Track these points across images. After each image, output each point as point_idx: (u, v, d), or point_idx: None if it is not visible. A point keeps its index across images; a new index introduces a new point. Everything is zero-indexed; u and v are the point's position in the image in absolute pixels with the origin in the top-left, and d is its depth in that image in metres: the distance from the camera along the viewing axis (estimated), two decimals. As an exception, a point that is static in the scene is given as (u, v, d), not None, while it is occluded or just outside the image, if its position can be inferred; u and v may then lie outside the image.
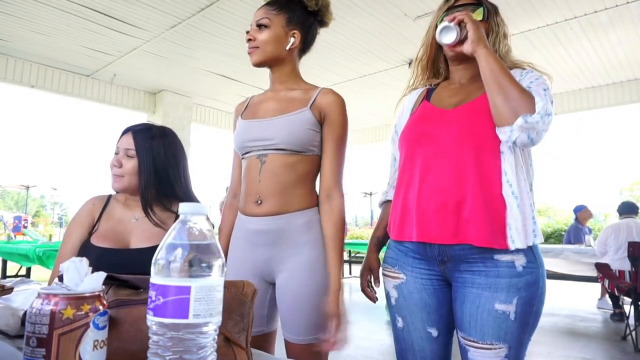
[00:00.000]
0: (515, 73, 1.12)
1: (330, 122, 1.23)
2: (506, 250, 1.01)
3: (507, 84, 0.99)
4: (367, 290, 1.27)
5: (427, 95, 1.25)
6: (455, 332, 1.13)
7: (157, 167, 1.29)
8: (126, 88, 7.04)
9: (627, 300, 3.99)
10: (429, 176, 1.08)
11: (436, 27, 1.20)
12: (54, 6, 4.53)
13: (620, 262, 4.32)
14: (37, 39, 5.33)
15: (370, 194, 30.11)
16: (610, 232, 4.53)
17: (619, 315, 4.57)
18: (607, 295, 5.05)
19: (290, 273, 1.17)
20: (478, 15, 1.16)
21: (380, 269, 1.25)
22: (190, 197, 1.36)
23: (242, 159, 1.30)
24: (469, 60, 1.17)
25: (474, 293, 1.04)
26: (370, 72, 6.25)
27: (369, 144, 9.81)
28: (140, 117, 7.41)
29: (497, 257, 1.03)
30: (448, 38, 1.09)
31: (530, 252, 1.04)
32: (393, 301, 1.18)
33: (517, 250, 1.02)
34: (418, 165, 1.12)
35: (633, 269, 3.76)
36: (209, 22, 4.86)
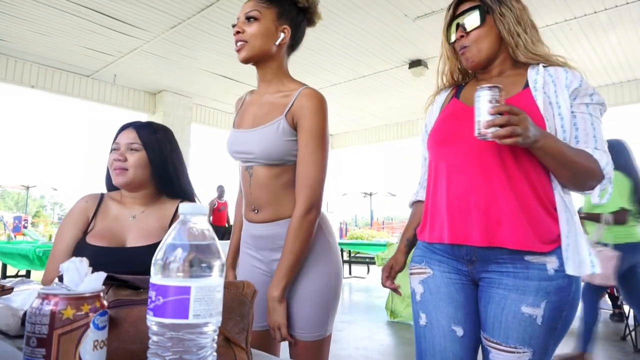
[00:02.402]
0: (559, 73, 1.03)
1: (301, 129, 1.17)
2: (539, 252, 0.97)
3: (575, 169, 0.96)
4: (389, 282, 1.23)
5: (457, 92, 1.20)
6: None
7: (165, 159, 1.33)
8: (126, 88, 7.04)
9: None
10: (459, 177, 1.04)
11: (447, 38, 1.16)
12: (54, 6, 4.53)
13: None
14: (37, 39, 5.33)
15: (370, 194, 30.09)
16: (609, 233, 4.55)
17: (618, 315, 4.58)
18: (606, 296, 5.05)
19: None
20: (474, 21, 1.08)
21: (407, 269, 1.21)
22: (191, 193, 1.41)
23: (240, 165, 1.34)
24: (492, 63, 1.12)
25: (499, 294, 1.00)
26: (370, 72, 6.25)
27: (368, 145, 9.81)
28: (140, 118, 7.41)
29: (528, 258, 0.98)
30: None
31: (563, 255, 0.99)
32: (418, 297, 1.14)
33: (552, 252, 0.97)
34: (446, 165, 1.08)
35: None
36: (209, 23, 4.86)
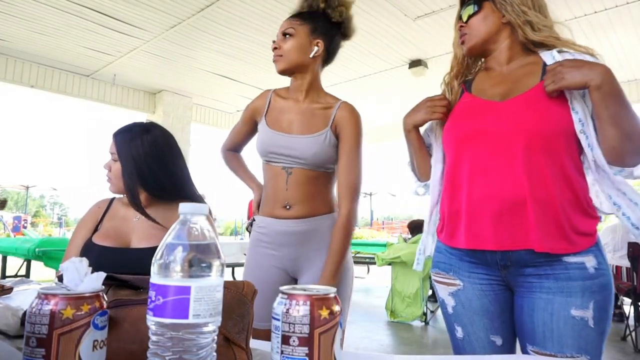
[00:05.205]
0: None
1: (344, 138, 1.33)
2: (575, 251, 0.93)
3: (631, 125, 0.90)
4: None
5: (466, 86, 1.16)
6: (522, 344, 1.02)
7: (139, 167, 1.26)
8: (126, 88, 7.04)
9: (627, 300, 3.99)
10: (483, 178, 0.98)
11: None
12: (54, 6, 4.53)
13: (618, 260, 4.36)
14: (37, 39, 5.32)
15: (370, 194, 30.11)
16: (607, 234, 4.61)
17: (618, 315, 4.58)
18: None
19: (317, 269, 1.29)
20: (470, 10, 1.11)
21: (431, 274, 1.15)
22: (185, 193, 1.33)
23: (265, 162, 1.38)
24: (494, 48, 1.12)
25: (544, 299, 0.94)
26: (370, 72, 6.25)
27: (369, 144, 9.82)
28: (140, 117, 7.40)
29: (566, 258, 0.93)
30: None
31: (599, 253, 0.95)
32: (450, 309, 1.08)
33: (587, 251, 0.94)
34: (468, 164, 1.02)
35: (631, 268, 3.77)
36: (209, 23, 4.86)
